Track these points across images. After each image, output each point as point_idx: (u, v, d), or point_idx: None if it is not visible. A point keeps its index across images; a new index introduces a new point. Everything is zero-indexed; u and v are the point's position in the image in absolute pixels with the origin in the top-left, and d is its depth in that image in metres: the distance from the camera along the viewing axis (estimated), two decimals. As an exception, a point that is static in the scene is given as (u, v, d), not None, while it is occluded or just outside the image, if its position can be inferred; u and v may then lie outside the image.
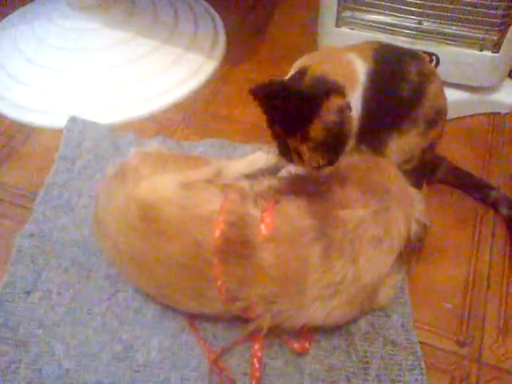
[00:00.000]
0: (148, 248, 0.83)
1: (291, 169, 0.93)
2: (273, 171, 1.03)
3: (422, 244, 0.90)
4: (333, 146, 0.80)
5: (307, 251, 0.79)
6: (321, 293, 0.78)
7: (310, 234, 0.79)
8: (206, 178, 0.89)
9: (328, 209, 0.82)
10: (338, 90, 0.77)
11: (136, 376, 0.86)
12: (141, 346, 0.89)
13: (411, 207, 0.87)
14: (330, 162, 0.82)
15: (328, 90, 0.76)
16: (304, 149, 0.79)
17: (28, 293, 0.96)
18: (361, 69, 0.87)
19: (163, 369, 0.86)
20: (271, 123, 0.81)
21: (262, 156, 1.07)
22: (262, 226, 0.80)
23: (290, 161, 0.84)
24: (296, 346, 0.86)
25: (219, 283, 0.80)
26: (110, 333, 0.91)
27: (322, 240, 0.79)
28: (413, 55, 0.95)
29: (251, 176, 0.99)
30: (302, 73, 0.83)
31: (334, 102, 0.75)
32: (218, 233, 0.79)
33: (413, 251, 0.89)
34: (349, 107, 0.80)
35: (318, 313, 0.80)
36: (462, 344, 0.88)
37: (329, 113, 0.75)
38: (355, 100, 0.86)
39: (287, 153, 0.82)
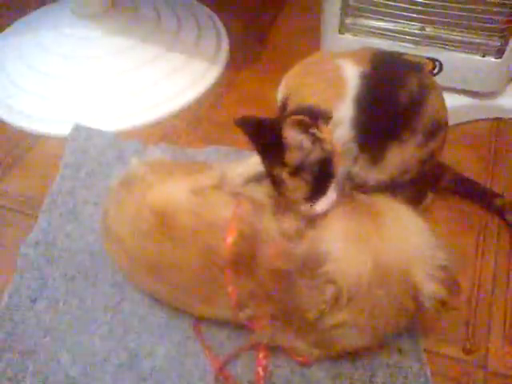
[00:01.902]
0: (162, 254, 0.83)
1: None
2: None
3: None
4: (313, 167, 0.80)
5: None
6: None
7: None
8: (211, 183, 0.89)
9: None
10: (299, 111, 0.79)
11: (142, 384, 0.86)
12: (147, 354, 0.89)
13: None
14: (318, 190, 0.82)
15: (290, 112, 0.79)
16: (284, 175, 0.80)
17: (34, 301, 0.97)
18: (351, 73, 0.87)
19: (169, 377, 0.86)
20: (259, 155, 0.85)
21: None
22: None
23: (280, 193, 0.84)
24: (300, 358, 0.86)
25: (230, 289, 0.80)
26: (116, 341, 0.91)
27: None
28: (414, 65, 0.94)
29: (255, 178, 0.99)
30: (284, 103, 0.86)
31: (292, 119, 0.76)
32: (230, 240, 0.79)
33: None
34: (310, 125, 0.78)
35: None
36: (467, 351, 0.88)
37: (291, 131, 0.77)
38: (345, 106, 0.86)
39: (276, 184, 0.83)
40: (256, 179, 0.99)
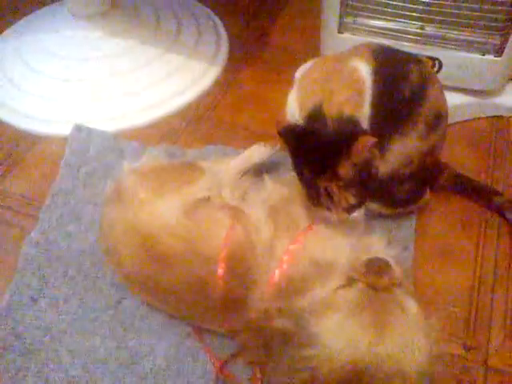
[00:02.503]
0: (154, 275, 0.83)
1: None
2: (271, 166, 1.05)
3: None
4: (362, 182, 0.81)
5: None
6: None
7: None
8: (204, 196, 0.88)
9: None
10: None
11: (142, 383, 0.86)
12: (147, 353, 0.89)
13: None
14: (361, 201, 0.83)
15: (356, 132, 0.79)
16: (334, 187, 0.80)
17: (35, 301, 0.97)
18: (366, 73, 0.88)
19: (169, 376, 0.87)
20: (298, 165, 0.83)
21: (259, 149, 1.08)
22: (276, 275, 0.76)
23: (318, 205, 0.83)
24: None
25: (221, 319, 0.81)
26: (117, 340, 0.91)
27: None
28: (413, 57, 0.95)
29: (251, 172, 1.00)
30: (318, 111, 0.85)
31: (364, 141, 0.78)
32: (220, 271, 0.78)
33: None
34: (376, 145, 0.80)
35: None
36: (468, 348, 0.88)
37: (358, 152, 0.78)
38: (366, 107, 0.87)
39: (315, 196, 0.82)
40: (249, 172, 0.99)
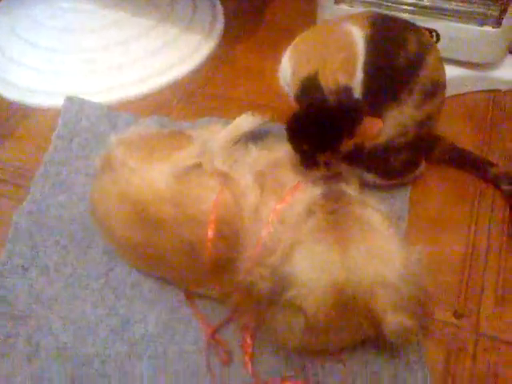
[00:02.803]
0: (145, 241, 0.84)
1: None
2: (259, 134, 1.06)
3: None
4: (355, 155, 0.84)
5: None
6: None
7: None
8: (194, 162, 0.87)
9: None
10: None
11: (133, 349, 0.86)
12: (138, 320, 0.89)
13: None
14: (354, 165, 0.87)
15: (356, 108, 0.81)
16: (334, 160, 0.83)
17: (26, 269, 0.97)
18: (359, 37, 0.87)
19: (161, 342, 0.86)
20: (297, 141, 0.84)
21: (247, 118, 1.08)
22: (264, 236, 0.77)
23: (311, 170, 0.84)
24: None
25: (213, 281, 0.82)
26: (108, 307, 0.91)
27: None
28: (412, 26, 0.94)
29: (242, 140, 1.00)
30: (314, 81, 0.84)
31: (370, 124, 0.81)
32: (210, 234, 0.78)
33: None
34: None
35: None
36: (459, 316, 0.87)
37: (364, 135, 0.81)
38: (358, 72, 0.86)
39: (313, 166, 0.84)
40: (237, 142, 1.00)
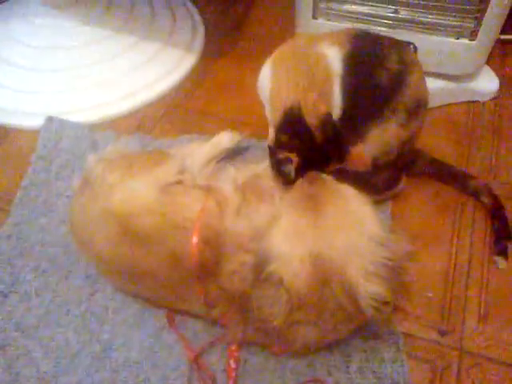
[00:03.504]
0: (129, 258, 0.82)
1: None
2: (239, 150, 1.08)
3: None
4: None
5: None
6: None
7: None
8: (176, 179, 0.87)
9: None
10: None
11: (116, 376, 0.85)
12: (121, 345, 0.88)
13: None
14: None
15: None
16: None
17: (5, 296, 0.95)
18: (335, 58, 0.87)
19: (143, 368, 0.86)
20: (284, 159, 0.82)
21: (226, 136, 1.09)
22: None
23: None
24: (275, 349, 0.85)
25: (198, 290, 0.80)
26: (90, 333, 0.90)
27: None
28: (395, 43, 0.94)
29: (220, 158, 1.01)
30: (297, 113, 0.83)
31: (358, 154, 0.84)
32: (195, 240, 0.78)
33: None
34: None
35: None
36: (443, 333, 0.87)
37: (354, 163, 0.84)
38: (336, 94, 0.86)
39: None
40: (216, 159, 1.00)
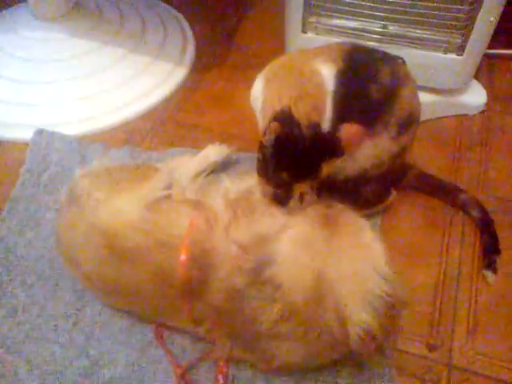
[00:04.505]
0: (116, 275, 0.82)
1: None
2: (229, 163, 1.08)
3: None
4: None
5: None
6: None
7: None
8: (163, 194, 0.86)
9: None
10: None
11: (103, 392, 0.84)
12: (108, 361, 0.87)
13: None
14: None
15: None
16: (309, 190, 0.83)
17: (-9, 311, 0.94)
18: (328, 76, 0.88)
19: (130, 384, 0.85)
20: (277, 169, 0.82)
21: (215, 148, 1.09)
22: (233, 251, 0.76)
23: (284, 204, 0.84)
24: (261, 365, 0.83)
25: (185, 308, 0.80)
26: (77, 348, 0.89)
27: None
28: (387, 57, 0.95)
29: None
30: (288, 115, 0.83)
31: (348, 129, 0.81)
32: (183, 257, 0.77)
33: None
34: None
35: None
36: (432, 348, 0.87)
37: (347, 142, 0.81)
38: (328, 109, 0.87)
39: (285, 196, 0.83)
40: (206, 173, 1.00)
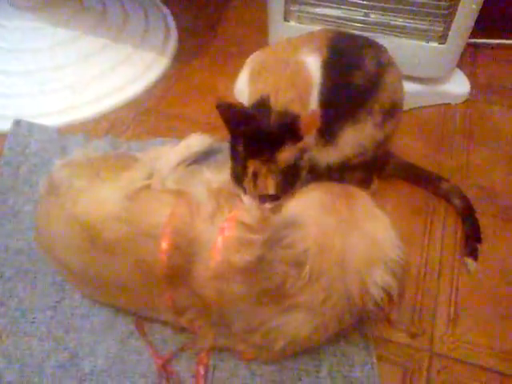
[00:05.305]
0: (97, 265, 0.81)
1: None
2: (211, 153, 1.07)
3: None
4: (290, 176, 0.81)
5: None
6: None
7: None
8: (144, 184, 0.85)
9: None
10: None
11: (82, 385, 0.83)
12: (87, 353, 0.86)
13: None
14: (277, 196, 0.82)
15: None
16: (263, 170, 0.80)
17: (-31, 304, 0.92)
18: (314, 66, 0.87)
19: (111, 376, 0.83)
20: (235, 140, 0.82)
21: (197, 138, 1.08)
22: (218, 241, 0.75)
23: (238, 182, 0.83)
24: (246, 354, 0.83)
25: (167, 297, 0.78)
26: (56, 341, 0.88)
27: None
28: (371, 44, 0.94)
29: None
30: (265, 102, 0.83)
31: (312, 124, 0.79)
32: (164, 246, 0.76)
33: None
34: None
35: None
36: (413, 336, 0.87)
37: (308, 125, 0.78)
38: (313, 98, 0.86)
39: (241, 173, 0.82)
40: (187, 162, 0.99)
